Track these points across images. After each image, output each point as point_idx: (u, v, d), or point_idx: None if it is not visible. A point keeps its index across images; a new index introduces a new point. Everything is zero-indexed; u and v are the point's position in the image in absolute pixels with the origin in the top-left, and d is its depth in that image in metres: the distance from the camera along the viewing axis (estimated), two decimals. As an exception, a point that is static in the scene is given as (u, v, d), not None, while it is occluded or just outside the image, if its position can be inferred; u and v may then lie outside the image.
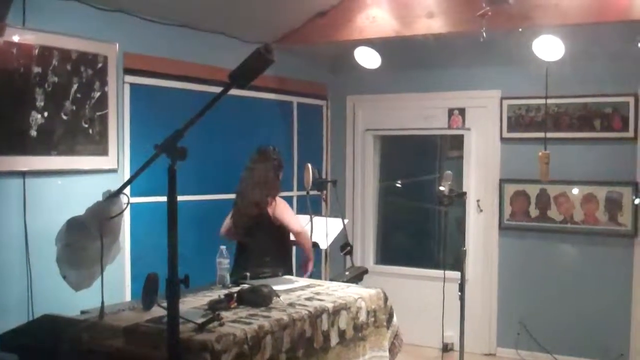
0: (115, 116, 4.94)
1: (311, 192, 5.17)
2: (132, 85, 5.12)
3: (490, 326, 6.65)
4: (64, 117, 4.57)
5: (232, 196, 5.08)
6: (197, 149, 5.38)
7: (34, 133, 4.36)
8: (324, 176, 6.93)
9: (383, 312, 4.19)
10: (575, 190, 6.23)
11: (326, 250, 5.63)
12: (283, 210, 4.90)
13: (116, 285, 4.93)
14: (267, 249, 4.83)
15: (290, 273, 4.85)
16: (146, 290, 3.46)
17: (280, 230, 4.94)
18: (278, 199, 4.91)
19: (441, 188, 4.97)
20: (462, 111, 6.77)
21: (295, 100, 6.87)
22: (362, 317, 4.00)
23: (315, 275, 5.43)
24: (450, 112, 6.81)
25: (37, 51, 4.37)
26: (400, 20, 5.77)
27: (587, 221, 6.19)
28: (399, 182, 7.39)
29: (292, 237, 5.08)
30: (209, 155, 5.72)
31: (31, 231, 4.33)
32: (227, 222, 5.08)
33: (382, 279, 6.48)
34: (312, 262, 5.05)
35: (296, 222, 4.97)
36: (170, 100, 5.38)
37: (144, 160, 2.65)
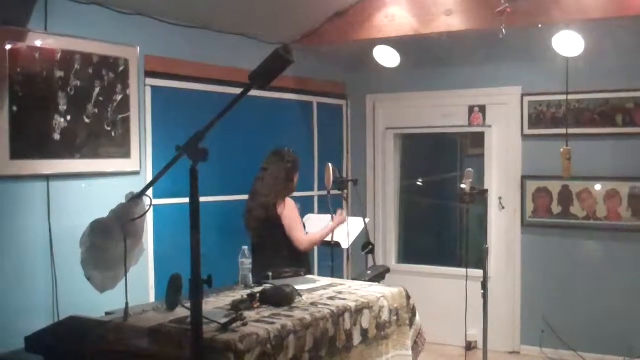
0: (137, 119, 4.97)
1: (332, 192, 5.17)
2: (153, 87, 5.15)
3: (513, 324, 6.61)
4: (87, 121, 4.60)
5: (246, 197, 5.09)
6: (218, 150, 5.49)
7: (57, 137, 4.40)
8: (344, 175, 6.92)
9: (405, 311, 4.18)
10: (597, 187, 6.18)
11: (348, 249, 5.63)
12: (287, 212, 4.88)
13: (140, 286, 4.96)
14: (279, 249, 4.84)
15: (307, 270, 4.84)
16: (170, 291, 3.47)
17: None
18: (288, 200, 4.89)
19: (462, 186, 4.95)
20: (482, 108, 6.74)
21: (315, 100, 6.88)
22: (385, 316, 4.00)
23: (337, 274, 5.43)
24: (471, 109, 6.78)
25: (59, 55, 4.41)
26: (419, 19, 5.76)
27: (610, 217, 6.14)
28: (420, 180, 7.37)
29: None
30: (230, 156, 5.74)
31: (56, 234, 4.37)
32: None
33: (404, 277, 6.47)
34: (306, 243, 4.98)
35: (297, 227, 4.89)
36: (191, 102, 5.40)
37: (166, 162, 2.66)
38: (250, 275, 4.12)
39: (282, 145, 5.09)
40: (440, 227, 7.37)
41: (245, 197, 5.07)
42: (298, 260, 4.82)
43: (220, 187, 5.66)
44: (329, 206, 5.15)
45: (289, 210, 4.86)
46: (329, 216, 5.19)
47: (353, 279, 5.00)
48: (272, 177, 4.90)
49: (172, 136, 5.00)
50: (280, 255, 4.79)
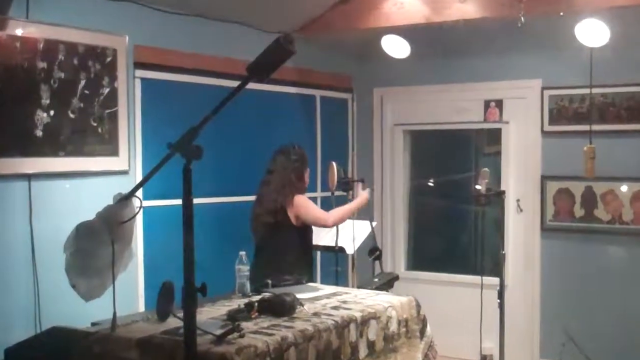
0: (125, 113, 4.98)
1: (336, 193, 5.17)
2: (143, 80, 5.16)
3: (532, 336, 6.61)
4: (71, 116, 4.61)
5: (252, 198, 5.09)
6: (213, 148, 5.45)
7: (39, 133, 4.41)
8: (350, 175, 6.93)
9: (415, 322, 4.18)
10: (624, 188, 6.17)
11: (353, 255, 5.63)
12: (301, 204, 4.89)
13: (129, 294, 4.97)
14: (284, 253, 4.86)
15: (309, 277, 4.85)
16: (161, 300, 3.47)
17: (301, 235, 4.95)
18: (296, 196, 4.91)
19: (477, 187, 4.96)
20: (499, 103, 6.74)
21: (318, 93, 6.88)
22: (393, 327, 4.00)
23: (342, 282, 5.43)
24: (487, 104, 6.78)
25: (41, 45, 4.41)
26: (431, 6, 5.75)
27: (636, 221, 6.14)
28: (432, 180, 7.37)
29: (315, 241, 5.11)
30: (226, 155, 5.76)
31: (38, 238, 4.37)
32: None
33: (414, 285, 6.47)
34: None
35: (314, 208, 4.96)
36: (184, 96, 5.42)
37: (157, 160, 2.67)
38: (248, 284, 4.13)
39: (286, 143, 5.10)
40: (454, 231, 7.37)
41: (242, 198, 5.07)
42: (301, 267, 4.83)
43: (215, 187, 5.67)
44: (333, 208, 5.15)
45: (299, 202, 4.89)
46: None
47: (359, 287, 5.00)
48: (279, 180, 4.92)
49: (163, 133, 4.99)
50: (283, 260, 4.81)
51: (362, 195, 5.15)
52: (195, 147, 2.39)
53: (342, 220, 5.03)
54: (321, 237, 5.32)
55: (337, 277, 5.24)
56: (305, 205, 4.90)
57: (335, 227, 5.10)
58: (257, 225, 4.96)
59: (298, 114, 6.71)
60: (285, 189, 4.88)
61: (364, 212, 5.74)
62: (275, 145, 5.12)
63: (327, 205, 5.49)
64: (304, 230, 4.98)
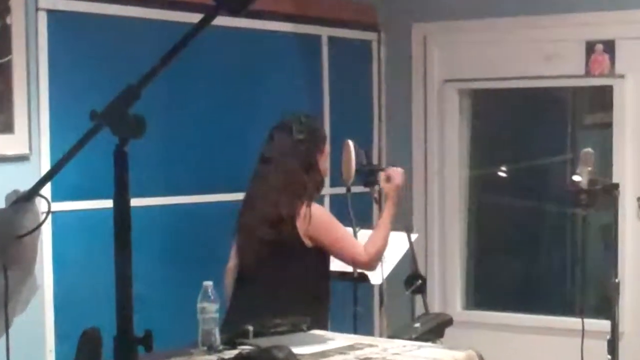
0: (24, 65, 5.00)
1: (353, 189, 5.17)
2: (50, 13, 5.16)
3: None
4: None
5: (227, 197, 5.09)
6: (165, 120, 5.47)
7: None
8: (374, 161, 6.89)
9: (480, 390, 4.17)
10: None
11: (381, 286, 5.62)
12: (324, 223, 4.89)
13: (32, 346, 4.97)
14: (289, 290, 4.86)
15: (324, 325, 4.85)
16: (82, 356, 3.47)
17: (314, 256, 4.95)
18: (315, 205, 4.92)
19: (576, 178, 4.94)
20: (609, 45, 6.72)
21: (325, 32, 6.91)
22: (445, 398, 3.99)
23: (364, 328, 5.42)
24: (590, 47, 6.76)
25: None
26: None
27: None
28: (503, 169, 7.36)
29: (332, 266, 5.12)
30: (185, 131, 5.80)
31: None
32: (232, 257, 5.11)
33: (477, 333, 6.47)
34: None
35: (346, 238, 4.97)
36: (115, 38, 5.43)
37: (74, 140, 2.64)
38: (217, 331, 4.11)
39: (286, 112, 5.09)
40: (538, 248, 7.38)
41: (211, 197, 5.06)
42: (315, 304, 4.85)
43: (168, 181, 5.72)
44: (349, 212, 5.16)
45: (319, 218, 4.90)
46: (349, 231, 5.17)
47: (390, 336, 4.99)
48: (280, 171, 4.91)
49: (83, 96, 5.00)
50: (284, 296, 4.83)
51: (393, 181, 5.13)
52: (134, 117, 2.37)
53: (382, 251, 5.04)
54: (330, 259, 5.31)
55: (355, 320, 5.25)
56: (328, 223, 4.93)
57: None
58: (248, 242, 4.96)
59: (295, 65, 6.74)
60: (292, 184, 4.89)
61: (398, 220, 5.72)
62: (263, 115, 5.13)
63: (339, 208, 5.47)
64: (321, 253, 4.99)
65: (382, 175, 5.18)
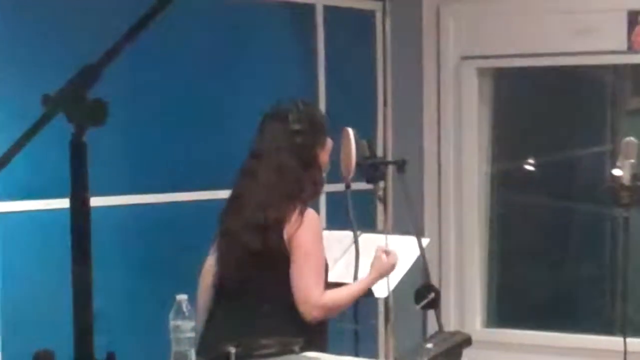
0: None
1: (354, 185, 5.22)
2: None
3: None
4: None
5: (206, 195, 5.11)
6: (130, 106, 5.48)
7: None
8: (379, 154, 6.92)
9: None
10: None
11: (387, 300, 5.65)
12: (305, 236, 4.90)
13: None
14: (277, 303, 4.88)
15: (321, 346, 4.88)
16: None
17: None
18: (309, 213, 4.92)
19: (616, 172, 4.97)
20: (655, 16, 6.76)
21: (320, 0, 6.93)
22: None
23: (367, 349, 5.46)
24: (633, 18, 6.79)
25: None
26: None
27: None
28: (531, 162, 7.39)
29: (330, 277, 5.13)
30: (156, 118, 5.83)
31: None
32: (208, 266, 5.12)
33: (500, 355, 6.50)
34: None
35: (312, 269, 4.89)
36: (71, 9, 5.44)
37: (22, 128, 2.67)
38: (193, 353, 4.15)
39: (279, 98, 5.10)
40: (571, 256, 7.40)
41: (189, 195, 5.08)
42: (299, 327, 4.85)
43: (135, 177, 5.76)
44: (348, 212, 5.20)
45: (308, 232, 4.88)
46: (348, 234, 5.21)
47: (397, 359, 5.03)
48: (272, 168, 4.94)
49: (32, 78, 5.02)
50: (269, 314, 4.86)
51: (378, 263, 5.07)
52: (94, 102, 2.40)
53: (340, 309, 5.06)
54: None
55: (357, 341, 5.27)
56: (312, 238, 4.90)
57: (352, 252, 5.14)
58: (231, 250, 4.99)
59: (285, 41, 6.78)
60: (285, 183, 4.90)
61: (406, 222, 5.76)
62: (247, 99, 5.13)
63: (335, 208, 5.50)
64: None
65: (379, 251, 5.14)
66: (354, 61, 7.19)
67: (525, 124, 7.52)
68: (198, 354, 4.22)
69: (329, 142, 5.09)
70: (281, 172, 4.92)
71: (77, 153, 2.40)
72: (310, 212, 4.92)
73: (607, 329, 6.85)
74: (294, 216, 4.84)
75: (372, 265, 5.06)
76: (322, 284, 4.89)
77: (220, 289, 4.99)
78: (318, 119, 5.13)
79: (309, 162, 4.98)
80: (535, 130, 7.53)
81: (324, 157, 5.07)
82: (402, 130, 7.41)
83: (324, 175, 5.11)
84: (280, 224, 4.84)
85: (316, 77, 6.90)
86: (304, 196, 4.92)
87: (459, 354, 5.09)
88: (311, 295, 4.82)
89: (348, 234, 5.21)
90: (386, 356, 5.78)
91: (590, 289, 7.29)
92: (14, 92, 5.16)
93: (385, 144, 7.34)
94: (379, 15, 7.37)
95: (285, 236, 4.85)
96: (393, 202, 6.35)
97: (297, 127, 4.95)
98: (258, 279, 4.92)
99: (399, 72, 7.43)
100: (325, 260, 5.02)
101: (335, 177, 5.76)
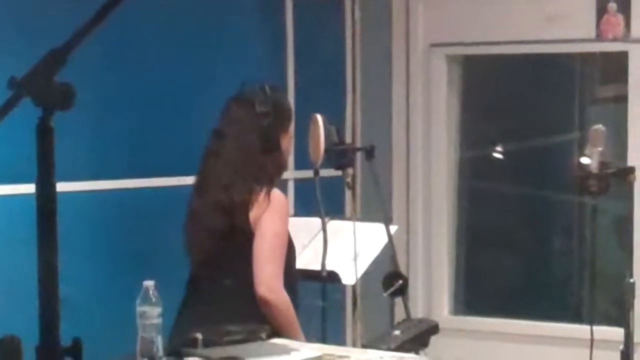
0: None
1: (322, 172, 5.19)
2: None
3: None
4: None
5: (172, 182, 5.08)
6: (96, 90, 5.44)
7: None
8: (348, 140, 6.91)
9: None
10: None
11: (355, 287, 5.63)
12: (270, 218, 4.87)
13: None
14: (243, 288, 4.85)
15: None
16: (-3, 371, 3.47)
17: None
18: (275, 193, 4.91)
19: (584, 160, 4.96)
20: (624, 4, 6.74)
21: (288, -12, 6.93)
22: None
23: (334, 336, 5.44)
24: (601, 6, 6.78)
25: None
26: None
27: None
28: (498, 148, 7.39)
29: (299, 264, 5.14)
30: (122, 102, 5.81)
31: None
32: None
33: (467, 342, 6.50)
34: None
35: (273, 254, 4.87)
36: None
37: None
38: (160, 340, 4.11)
39: (246, 82, 5.07)
40: (539, 244, 7.42)
41: (156, 181, 5.05)
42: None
43: (101, 162, 5.72)
44: (317, 198, 5.17)
45: (274, 213, 4.87)
46: (317, 221, 5.19)
47: (365, 345, 5.01)
48: (236, 148, 4.92)
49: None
50: (239, 299, 4.84)
51: None
52: (61, 85, 2.38)
53: (282, 309, 4.90)
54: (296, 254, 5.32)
55: (324, 327, 5.26)
56: (279, 219, 4.88)
57: (320, 238, 5.12)
58: (197, 233, 4.98)
59: (254, 27, 6.76)
60: (249, 164, 4.90)
61: (375, 209, 5.74)
62: (215, 84, 5.12)
63: (304, 195, 5.48)
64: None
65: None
66: (323, 47, 7.18)
67: (494, 112, 7.54)
68: (170, 340, 4.19)
69: (292, 130, 5.10)
70: (245, 153, 4.92)
71: (44, 137, 2.39)
72: (277, 194, 4.92)
73: (574, 317, 6.86)
74: (261, 197, 4.84)
75: None
76: (280, 274, 4.85)
77: (190, 273, 4.97)
78: (284, 104, 5.14)
79: (272, 146, 4.97)
80: (504, 118, 7.55)
81: (287, 143, 5.07)
82: (371, 117, 7.39)
83: (287, 160, 5.09)
84: (246, 205, 4.84)
85: (285, 63, 6.90)
86: (266, 178, 4.92)
87: (426, 341, 5.08)
88: (270, 283, 4.81)
89: (316, 221, 5.19)
90: (354, 343, 5.76)
91: (558, 276, 7.31)
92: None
93: (354, 131, 7.33)
94: (348, 2, 7.36)
95: (251, 217, 4.85)
96: (361, 189, 6.33)
97: (262, 109, 4.93)
98: (225, 262, 4.93)
99: (368, 59, 7.42)
100: (294, 246, 5.00)
101: (303, 163, 5.76)
